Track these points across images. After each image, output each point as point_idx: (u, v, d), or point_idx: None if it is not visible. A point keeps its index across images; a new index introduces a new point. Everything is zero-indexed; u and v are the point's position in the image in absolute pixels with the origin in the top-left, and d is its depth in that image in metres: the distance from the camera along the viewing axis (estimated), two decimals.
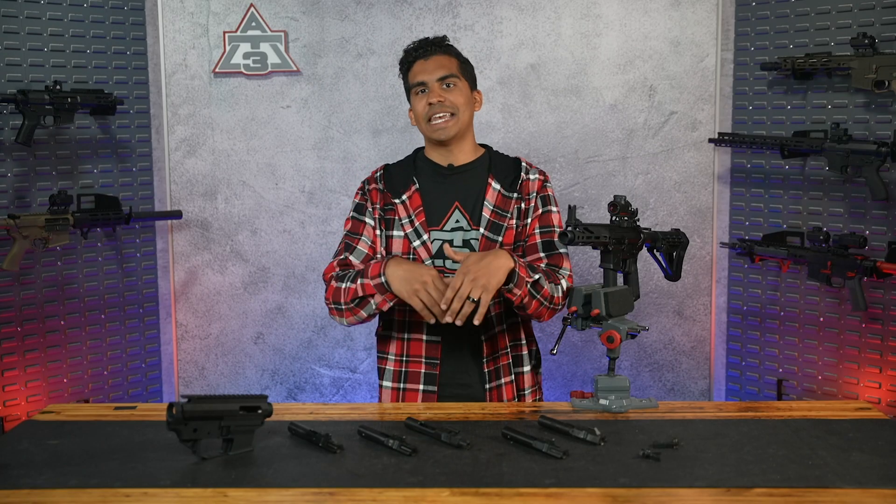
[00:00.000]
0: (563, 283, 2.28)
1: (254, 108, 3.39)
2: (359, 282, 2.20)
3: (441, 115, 2.27)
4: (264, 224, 3.44)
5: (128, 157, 3.27)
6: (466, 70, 2.36)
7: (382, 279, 2.15)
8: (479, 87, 2.42)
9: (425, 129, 2.32)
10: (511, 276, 2.13)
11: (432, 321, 2.12)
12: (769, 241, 3.07)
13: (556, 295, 2.25)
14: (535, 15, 3.33)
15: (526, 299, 2.18)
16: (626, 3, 3.31)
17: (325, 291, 2.29)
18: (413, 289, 2.11)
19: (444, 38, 2.37)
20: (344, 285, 2.23)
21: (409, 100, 2.39)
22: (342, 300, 2.23)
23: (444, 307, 2.09)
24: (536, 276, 2.19)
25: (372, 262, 2.23)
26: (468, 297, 2.07)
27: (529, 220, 2.34)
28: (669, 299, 3.41)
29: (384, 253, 2.32)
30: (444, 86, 2.29)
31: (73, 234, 3.08)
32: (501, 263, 2.12)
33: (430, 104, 2.28)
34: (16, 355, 3.03)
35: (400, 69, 2.39)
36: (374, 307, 2.20)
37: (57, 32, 3.07)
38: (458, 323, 2.10)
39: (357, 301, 2.20)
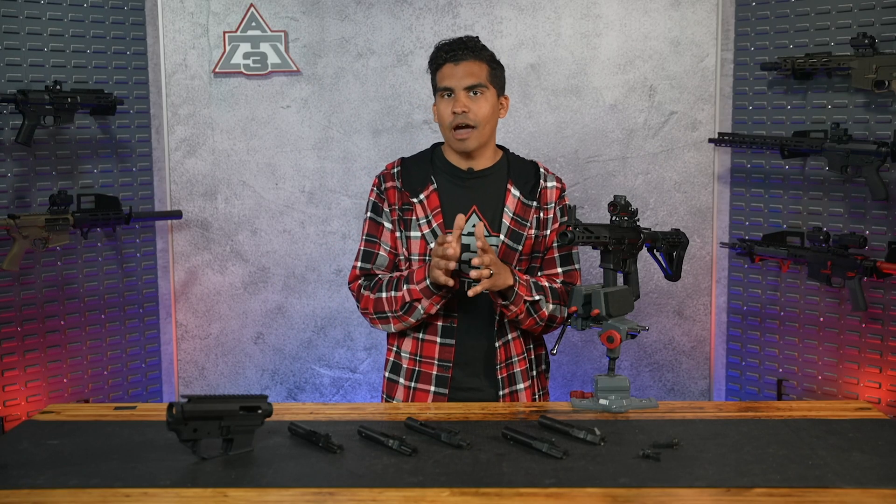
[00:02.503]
0: None
1: (254, 108, 3.39)
2: (405, 288, 2.21)
3: (462, 128, 2.24)
4: (264, 224, 3.44)
5: (128, 157, 3.27)
6: (496, 76, 2.30)
7: (427, 282, 2.16)
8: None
9: (447, 135, 2.29)
10: (508, 292, 2.18)
11: (451, 284, 2.12)
12: (769, 241, 3.07)
13: (558, 315, 2.30)
14: (535, 15, 3.33)
15: (521, 315, 2.23)
16: (626, 3, 3.31)
17: (358, 301, 2.30)
18: (431, 267, 2.12)
19: (476, 39, 2.29)
20: (386, 294, 2.24)
21: (434, 95, 2.34)
22: (387, 309, 2.24)
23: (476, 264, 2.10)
24: (537, 298, 2.23)
25: (415, 268, 2.24)
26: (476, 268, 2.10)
27: (548, 232, 2.34)
28: (669, 299, 3.41)
29: (406, 254, 2.30)
30: (472, 94, 2.24)
31: (73, 234, 3.07)
32: (507, 277, 2.17)
33: (454, 113, 2.23)
34: (16, 355, 3.03)
35: (429, 65, 2.32)
36: (421, 312, 2.21)
37: (57, 32, 3.07)
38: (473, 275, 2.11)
39: (406, 308, 2.22)
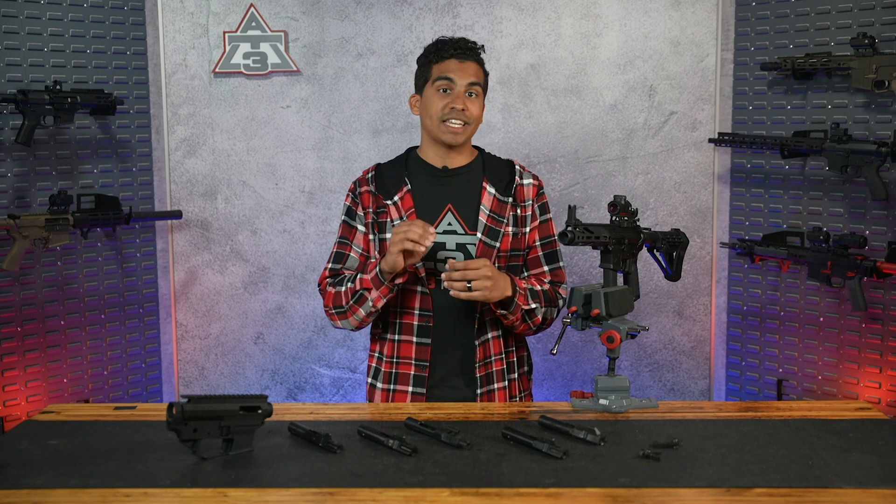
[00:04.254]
0: (561, 301, 2.35)
1: (254, 108, 3.39)
2: (358, 277, 2.23)
3: (457, 121, 2.26)
4: (264, 224, 3.44)
5: (128, 157, 3.27)
6: (486, 82, 2.36)
7: (377, 270, 2.18)
8: None
9: (436, 127, 2.29)
10: (507, 303, 2.20)
11: (417, 260, 2.12)
12: (769, 241, 3.07)
13: (549, 317, 2.32)
14: (535, 15, 3.33)
15: (517, 323, 2.25)
16: (626, 3, 3.31)
17: (324, 299, 2.32)
18: (395, 241, 2.10)
19: (482, 47, 2.35)
20: (343, 287, 2.26)
21: (418, 88, 2.35)
22: (343, 302, 2.25)
23: (454, 275, 2.11)
24: (533, 306, 2.25)
25: (374, 259, 2.25)
26: (468, 283, 2.11)
27: (528, 230, 2.35)
28: (669, 299, 3.41)
29: (378, 257, 2.30)
30: (468, 94, 2.28)
31: (73, 234, 3.07)
32: (506, 287, 2.18)
33: (452, 108, 2.26)
34: (16, 355, 3.03)
35: (425, 56, 2.34)
36: (370, 304, 2.21)
37: (57, 32, 3.07)
38: (445, 284, 2.13)
39: (356, 297, 2.22)
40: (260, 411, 1.83)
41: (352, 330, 2.32)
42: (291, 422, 1.93)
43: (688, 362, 3.43)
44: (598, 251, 2.19)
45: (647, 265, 3.09)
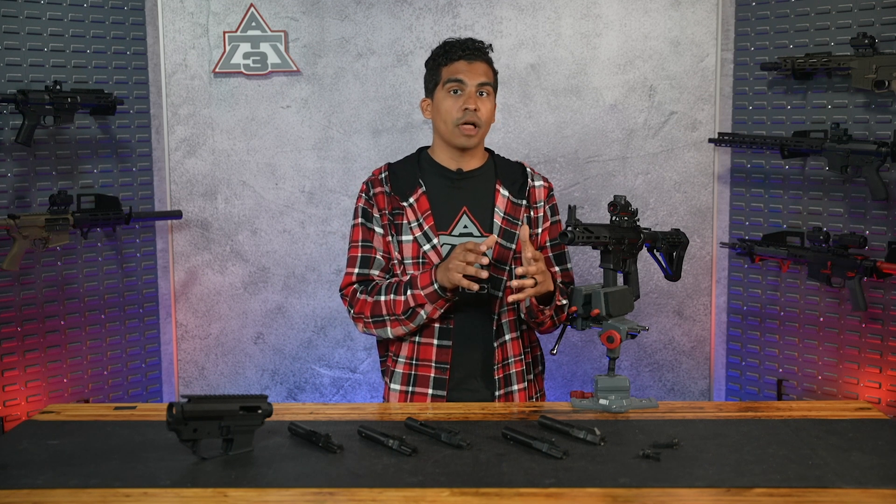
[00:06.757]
0: None
1: (254, 108, 3.39)
2: (408, 293, 2.20)
3: (471, 123, 2.25)
4: (264, 224, 3.44)
5: (128, 157, 3.27)
6: (496, 81, 2.35)
7: (435, 286, 2.16)
8: None
9: (450, 131, 2.27)
10: (549, 298, 2.22)
11: (475, 288, 2.11)
12: (769, 241, 3.07)
13: (563, 315, 2.32)
14: (535, 15, 3.33)
15: (546, 319, 2.26)
16: (626, 3, 3.31)
17: (352, 306, 2.28)
18: (450, 269, 2.11)
19: (490, 46, 2.34)
20: (385, 298, 2.23)
21: (428, 91, 2.34)
22: (385, 312, 2.22)
23: (521, 272, 2.11)
24: (564, 302, 2.26)
25: (418, 273, 2.23)
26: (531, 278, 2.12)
27: (540, 231, 2.35)
28: (669, 299, 3.41)
29: (399, 258, 2.30)
30: (479, 93, 2.27)
31: (73, 234, 3.07)
32: (549, 283, 2.19)
33: (465, 109, 2.24)
34: (16, 355, 3.03)
35: (433, 59, 2.32)
36: (424, 317, 2.20)
37: (57, 32, 3.07)
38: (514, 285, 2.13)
39: (408, 313, 2.21)
40: (260, 411, 1.83)
41: (386, 337, 2.30)
42: (291, 422, 1.93)
43: (688, 362, 3.43)
44: (598, 251, 2.19)
45: (647, 265, 3.09)
